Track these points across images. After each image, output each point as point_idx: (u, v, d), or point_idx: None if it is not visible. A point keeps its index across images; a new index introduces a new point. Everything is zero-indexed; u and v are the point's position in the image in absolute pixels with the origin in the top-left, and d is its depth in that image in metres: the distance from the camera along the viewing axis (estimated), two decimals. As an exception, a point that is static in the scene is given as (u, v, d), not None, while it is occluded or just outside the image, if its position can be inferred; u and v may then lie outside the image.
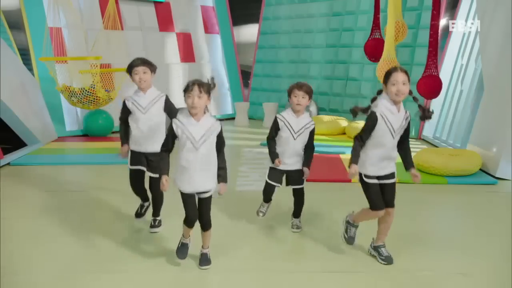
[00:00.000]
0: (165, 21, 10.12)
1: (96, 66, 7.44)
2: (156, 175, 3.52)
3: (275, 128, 3.57)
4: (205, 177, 2.94)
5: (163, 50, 10.04)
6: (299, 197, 3.71)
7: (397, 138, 3.08)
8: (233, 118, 10.61)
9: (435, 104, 8.14)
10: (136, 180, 3.72)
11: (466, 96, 7.38)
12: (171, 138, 2.96)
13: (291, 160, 3.55)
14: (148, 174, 3.65)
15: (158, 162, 3.26)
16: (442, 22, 7.58)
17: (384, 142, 3.05)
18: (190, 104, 2.89)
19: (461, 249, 3.47)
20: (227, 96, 11.28)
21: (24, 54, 7.94)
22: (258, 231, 3.76)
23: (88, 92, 7.32)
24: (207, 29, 10.99)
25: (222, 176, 3.01)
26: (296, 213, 3.84)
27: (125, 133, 3.62)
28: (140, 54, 9.53)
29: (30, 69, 7.91)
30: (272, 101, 10.33)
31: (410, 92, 3.06)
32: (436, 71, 5.91)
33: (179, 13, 10.39)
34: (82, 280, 2.92)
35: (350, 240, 3.35)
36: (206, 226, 3.05)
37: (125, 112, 3.60)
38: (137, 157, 3.60)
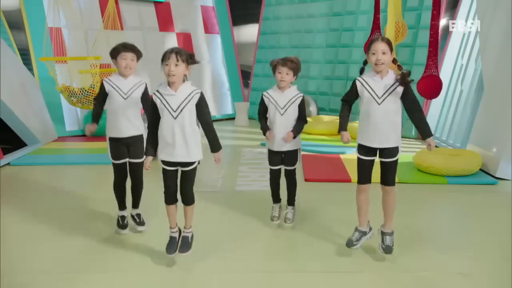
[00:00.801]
0: (165, 21, 10.12)
1: (96, 66, 7.44)
2: (137, 160, 3.49)
3: (262, 106, 3.59)
4: (185, 148, 2.90)
5: (163, 50, 9.96)
6: (290, 178, 3.71)
7: (388, 108, 3.09)
8: (233, 118, 10.61)
9: (435, 104, 8.14)
10: (121, 177, 3.59)
11: (466, 96, 7.38)
12: (153, 110, 2.95)
13: (282, 135, 3.51)
14: (129, 162, 3.56)
15: (138, 146, 3.36)
16: (442, 22, 7.58)
17: (370, 110, 3.11)
18: (167, 72, 2.88)
19: (461, 249, 3.47)
20: (227, 96, 11.28)
21: (24, 54, 7.95)
22: (258, 231, 3.75)
23: (88, 92, 7.32)
24: (207, 29, 10.99)
25: (212, 145, 2.98)
26: (290, 199, 3.82)
27: (97, 113, 3.51)
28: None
29: (30, 69, 7.92)
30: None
31: (395, 61, 3.08)
32: (436, 71, 5.90)
33: (179, 13, 10.39)
34: (82, 280, 2.92)
35: (388, 249, 3.21)
36: (187, 200, 3.03)
37: (103, 94, 3.48)
38: (118, 149, 3.49)
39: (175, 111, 2.88)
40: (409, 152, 6.52)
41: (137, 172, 3.58)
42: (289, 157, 3.62)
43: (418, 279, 2.97)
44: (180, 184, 3.03)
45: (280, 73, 3.47)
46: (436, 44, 5.91)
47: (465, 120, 7.13)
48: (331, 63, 9.82)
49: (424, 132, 3.14)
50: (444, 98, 8.00)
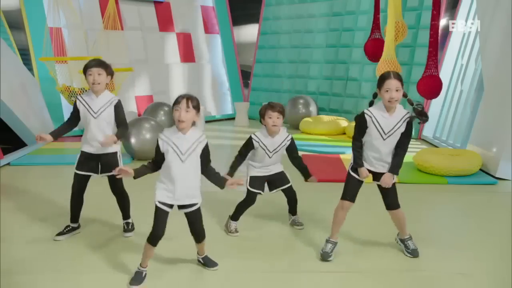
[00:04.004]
0: (165, 21, 10.12)
1: (96, 66, 7.43)
2: (112, 173, 3.35)
3: (247, 147, 3.60)
4: (189, 190, 2.92)
5: (163, 50, 10.04)
6: (290, 195, 3.75)
7: (392, 142, 3.10)
8: (233, 118, 10.61)
9: (435, 104, 8.14)
10: (81, 188, 3.50)
11: (466, 96, 7.38)
12: (159, 156, 2.90)
13: (271, 167, 3.62)
14: (104, 178, 3.52)
15: (111, 161, 3.35)
16: (442, 22, 7.58)
17: (376, 145, 3.11)
18: (177, 118, 2.85)
19: (461, 249, 3.47)
20: (227, 96, 11.28)
21: (24, 54, 7.95)
22: (258, 231, 3.75)
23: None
24: (207, 29, 10.99)
25: (220, 182, 3.02)
26: (293, 211, 3.86)
27: (59, 130, 3.45)
28: (140, 54, 9.62)
29: (30, 69, 7.92)
30: (272, 101, 10.31)
31: (405, 95, 3.09)
32: (436, 71, 5.90)
33: (179, 13, 10.39)
34: (82, 280, 2.92)
35: (414, 252, 3.27)
36: (199, 237, 3.03)
37: (75, 111, 3.42)
38: (87, 161, 3.44)
39: (183, 154, 2.88)
40: (409, 152, 6.51)
41: (117, 184, 3.52)
42: (277, 178, 3.65)
43: (418, 279, 2.97)
44: (190, 226, 3.01)
45: (270, 118, 3.46)
46: (436, 44, 5.91)
47: (465, 120, 7.13)
48: (331, 63, 9.81)
49: (393, 167, 3.15)
50: (444, 98, 8.00)
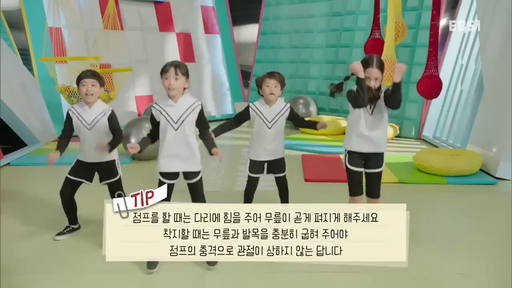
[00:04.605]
0: (165, 21, 10.12)
1: (96, 66, 7.44)
2: (112, 180, 3.44)
3: (242, 115, 3.56)
4: (187, 159, 2.95)
5: (163, 50, 10.04)
6: (282, 185, 3.67)
7: (376, 114, 3.23)
8: (233, 118, 10.60)
9: (435, 104, 8.14)
10: (70, 192, 3.49)
11: (466, 96, 7.38)
12: (154, 126, 2.98)
13: (271, 146, 3.50)
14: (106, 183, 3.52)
15: (110, 168, 3.37)
16: (442, 22, 7.58)
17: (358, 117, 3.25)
18: (166, 86, 2.89)
19: (461, 249, 3.47)
20: (227, 96, 11.28)
21: (24, 54, 7.94)
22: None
23: (88, 92, 7.31)
24: (207, 29, 10.99)
25: (209, 144, 3.03)
26: (284, 201, 3.80)
27: (61, 145, 3.44)
28: (140, 54, 9.62)
29: (30, 69, 7.91)
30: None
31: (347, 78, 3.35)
32: (436, 71, 5.90)
33: (179, 13, 10.39)
34: (82, 280, 2.92)
35: None
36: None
37: (68, 122, 3.43)
38: (83, 170, 3.44)
39: (175, 123, 2.90)
40: (409, 152, 6.52)
41: (117, 189, 3.44)
42: (275, 164, 3.58)
43: (418, 279, 2.97)
44: (192, 197, 3.09)
45: (268, 86, 3.41)
46: (436, 44, 5.91)
47: (465, 120, 7.13)
48: (331, 63, 9.81)
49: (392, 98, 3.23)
50: (444, 98, 8.00)
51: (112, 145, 3.34)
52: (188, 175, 3.08)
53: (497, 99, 5.83)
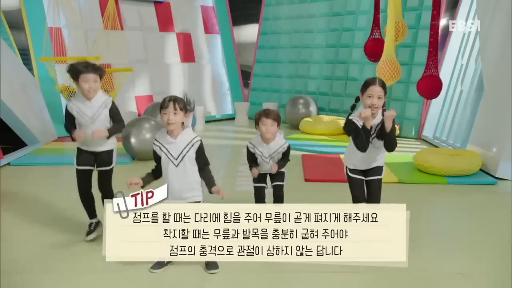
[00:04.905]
0: (165, 21, 10.12)
1: (96, 66, 7.44)
2: (106, 168, 3.40)
3: (248, 156, 3.57)
4: (189, 192, 2.98)
5: (163, 50, 10.04)
6: (278, 193, 3.63)
7: (376, 141, 3.15)
8: (233, 118, 10.61)
9: (435, 104, 8.14)
10: (85, 183, 3.42)
11: (466, 96, 7.38)
12: (157, 161, 3.00)
13: (269, 167, 3.56)
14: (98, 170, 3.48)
15: (107, 156, 3.33)
16: (442, 22, 7.58)
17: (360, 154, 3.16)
18: (165, 121, 2.92)
19: (461, 249, 3.47)
20: (227, 96, 11.28)
21: (24, 54, 7.95)
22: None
23: (88, 92, 7.31)
24: (207, 29, 10.99)
25: (209, 182, 3.01)
26: None
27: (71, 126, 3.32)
28: (140, 54, 9.62)
29: (30, 69, 7.91)
30: (272, 101, 10.33)
31: (384, 105, 3.15)
32: (436, 71, 5.90)
33: (179, 13, 10.39)
34: (82, 280, 2.92)
35: None
36: None
37: (69, 119, 3.31)
38: (85, 156, 3.38)
39: (176, 159, 2.92)
40: (409, 152, 6.52)
41: (106, 180, 3.45)
42: (275, 175, 3.60)
43: (418, 279, 2.97)
44: None
45: (264, 125, 3.41)
46: (436, 44, 5.91)
47: (465, 120, 7.12)
48: (331, 63, 9.81)
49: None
50: (444, 98, 7.99)
51: (110, 131, 3.31)
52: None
53: (497, 99, 5.83)
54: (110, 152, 3.45)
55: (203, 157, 3.02)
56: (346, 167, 3.36)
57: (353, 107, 3.26)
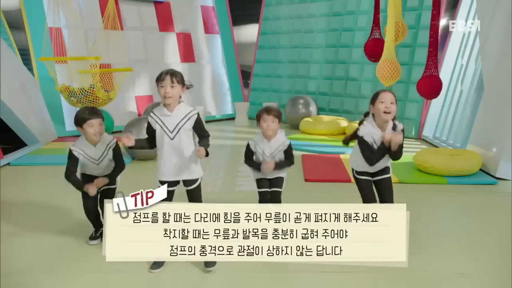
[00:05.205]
0: (165, 21, 10.12)
1: (96, 66, 7.45)
2: (110, 186, 3.39)
3: (247, 153, 3.55)
4: (185, 167, 2.98)
5: (163, 50, 10.04)
6: (275, 199, 3.58)
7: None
8: (233, 118, 10.62)
9: (435, 104, 8.14)
10: (92, 204, 3.41)
11: (466, 96, 7.38)
12: (149, 135, 3.02)
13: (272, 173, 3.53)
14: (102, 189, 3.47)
15: (109, 175, 3.34)
16: (442, 22, 7.58)
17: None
18: (162, 94, 2.92)
19: (461, 249, 3.48)
20: (227, 96, 11.28)
21: (24, 54, 7.95)
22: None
23: (87, 92, 7.33)
24: (207, 29, 10.99)
25: (203, 142, 3.03)
26: None
27: (76, 179, 3.37)
28: (140, 54, 9.62)
29: (30, 69, 7.92)
30: (272, 101, 10.33)
31: (394, 118, 3.15)
32: (436, 71, 5.90)
33: (179, 13, 10.39)
34: (82, 280, 2.93)
35: None
36: None
37: (74, 163, 3.35)
38: (88, 180, 3.40)
39: (171, 132, 2.92)
40: (409, 152, 6.52)
41: (109, 197, 3.39)
42: (275, 181, 3.57)
43: (418, 279, 2.97)
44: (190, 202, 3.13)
45: (265, 122, 3.40)
46: (436, 44, 5.91)
47: (465, 120, 7.12)
48: (331, 63, 9.81)
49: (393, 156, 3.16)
50: (444, 98, 8.00)
51: (112, 177, 3.35)
52: (187, 182, 3.13)
53: (497, 99, 5.83)
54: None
55: (202, 129, 3.02)
56: (353, 169, 3.35)
57: (360, 123, 3.25)
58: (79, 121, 3.24)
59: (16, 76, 7.01)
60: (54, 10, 7.44)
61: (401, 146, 3.09)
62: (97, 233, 3.54)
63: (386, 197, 3.28)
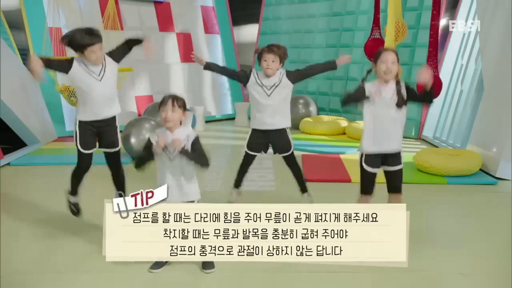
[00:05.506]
0: (165, 21, 10.12)
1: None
2: (114, 149, 3.45)
3: (245, 74, 3.57)
4: (183, 189, 2.98)
5: (163, 50, 10.04)
6: (292, 165, 3.54)
7: (394, 112, 3.13)
8: (233, 118, 10.61)
9: (435, 104, 8.12)
10: (85, 168, 3.48)
11: (466, 96, 7.38)
12: (146, 148, 3.01)
13: (271, 120, 3.44)
14: (103, 151, 3.54)
15: (111, 132, 3.35)
16: (442, 22, 7.58)
17: (379, 113, 3.16)
18: (163, 118, 2.94)
19: (461, 249, 3.47)
20: (227, 96, 11.28)
21: (24, 54, 7.93)
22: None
23: (87, 92, 7.31)
24: (207, 29, 10.98)
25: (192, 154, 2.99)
26: (302, 186, 3.76)
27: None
28: (140, 54, 9.54)
29: (30, 69, 7.91)
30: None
31: (397, 75, 3.20)
32: (436, 72, 5.90)
33: (179, 13, 10.38)
34: (82, 280, 2.93)
35: None
36: None
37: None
38: (89, 137, 3.40)
39: (171, 153, 2.92)
40: (409, 152, 6.52)
41: (117, 160, 3.52)
42: (279, 141, 3.45)
43: (418, 279, 2.97)
44: None
45: (265, 60, 3.38)
46: (436, 44, 5.91)
47: (465, 120, 7.12)
48: (331, 63, 9.79)
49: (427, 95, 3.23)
50: (444, 98, 7.99)
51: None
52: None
53: (497, 99, 5.83)
54: (113, 123, 3.46)
55: (198, 150, 2.98)
56: (361, 156, 3.29)
57: (363, 80, 3.26)
58: (79, 46, 3.21)
59: (16, 76, 7.01)
60: (54, 10, 7.44)
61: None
62: (77, 206, 3.60)
63: (396, 185, 3.29)
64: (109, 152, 3.55)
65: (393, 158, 3.26)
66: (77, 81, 3.35)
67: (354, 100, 3.22)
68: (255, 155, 3.64)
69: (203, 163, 2.97)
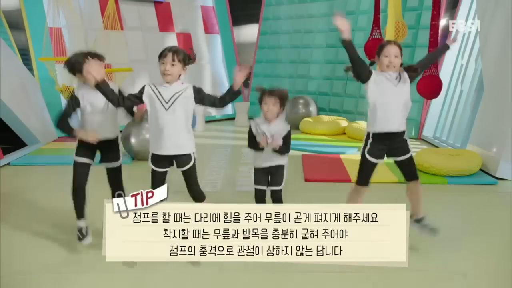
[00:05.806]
0: (165, 21, 10.12)
1: (96, 66, 7.44)
2: (116, 164, 3.36)
3: (251, 136, 3.42)
4: (177, 140, 2.94)
5: (163, 50, 10.03)
6: (276, 196, 3.45)
7: (400, 86, 3.17)
8: (233, 118, 10.62)
9: (435, 104, 8.14)
10: (83, 178, 3.28)
11: (466, 96, 7.38)
12: (137, 96, 3.04)
13: (271, 156, 3.38)
14: (105, 167, 3.44)
15: (113, 149, 3.31)
16: (442, 22, 7.58)
17: (383, 90, 3.17)
18: (162, 70, 2.90)
19: (461, 249, 3.47)
20: (227, 96, 11.28)
21: (24, 54, 7.95)
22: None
23: (88, 92, 7.32)
24: (207, 29, 10.99)
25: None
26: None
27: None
28: (140, 54, 9.62)
29: (30, 69, 7.91)
30: (272, 101, 10.33)
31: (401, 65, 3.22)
32: (436, 71, 5.90)
33: (179, 13, 10.39)
34: (82, 280, 2.93)
35: (434, 231, 3.37)
36: (199, 198, 3.07)
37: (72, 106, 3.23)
38: (86, 148, 3.25)
39: (167, 102, 2.89)
40: (409, 152, 6.52)
41: (118, 175, 3.41)
42: (275, 175, 3.42)
43: (418, 279, 2.97)
44: (186, 184, 3.09)
45: (266, 104, 3.32)
46: (436, 44, 5.92)
47: (465, 120, 7.12)
48: (331, 63, 9.81)
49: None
50: (444, 98, 7.99)
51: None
52: (179, 162, 3.03)
53: (497, 99, 5.83)
54: (115, 143, 3.41)
55: (206, 95, 3.01)
56: (365, 142, 3.24)
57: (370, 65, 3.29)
58: (78, 67, 3.06)
59: (16, 76, 7.01)
60: (54, 10, 7.45)
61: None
62: (83, 231, 3.30)
63: (412, 172, 3.35)
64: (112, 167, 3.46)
65: (400, 148, 3.22)
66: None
67: (357, 55, 3.18)
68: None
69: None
